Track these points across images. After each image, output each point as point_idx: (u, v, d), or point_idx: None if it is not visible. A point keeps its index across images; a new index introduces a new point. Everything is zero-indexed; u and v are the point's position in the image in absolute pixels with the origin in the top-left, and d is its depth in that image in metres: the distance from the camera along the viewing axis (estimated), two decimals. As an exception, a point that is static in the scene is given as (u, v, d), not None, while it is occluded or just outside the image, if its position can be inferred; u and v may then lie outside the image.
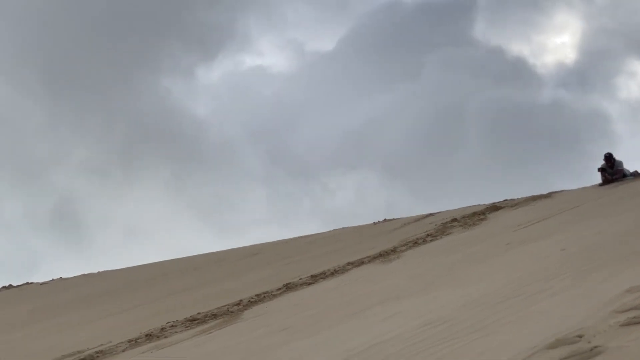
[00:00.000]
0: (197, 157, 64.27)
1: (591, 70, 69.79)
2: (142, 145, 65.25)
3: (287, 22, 77.11)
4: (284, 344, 7.43)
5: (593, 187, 16.82)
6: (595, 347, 4.00)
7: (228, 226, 59.81)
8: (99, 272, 29.94)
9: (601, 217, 11.33)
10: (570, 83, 68.08)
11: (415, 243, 14.96)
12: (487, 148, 60.27)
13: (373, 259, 14.01)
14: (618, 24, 66.26)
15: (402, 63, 67.91)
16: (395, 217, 23.20)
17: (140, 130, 64.93)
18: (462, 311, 6.24)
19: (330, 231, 25.26)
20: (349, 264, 14.11)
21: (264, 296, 12.75)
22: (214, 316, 11.82)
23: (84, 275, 30.12)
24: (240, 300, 12.82)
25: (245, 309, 11.80)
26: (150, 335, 11.37)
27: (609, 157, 16.67)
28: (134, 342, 11.13)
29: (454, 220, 17.16)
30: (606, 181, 16.55)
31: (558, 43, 71.68)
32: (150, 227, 62.19)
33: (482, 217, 16.62)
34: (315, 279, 13.35)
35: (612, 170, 16.58)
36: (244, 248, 26.36)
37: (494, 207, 17.70)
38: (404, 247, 14.74)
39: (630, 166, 16.91)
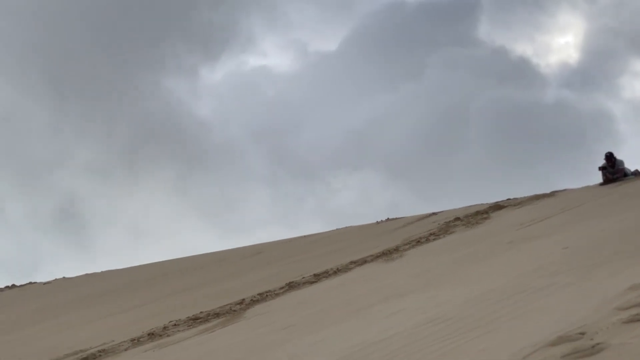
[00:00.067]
0: (201, 157, 64.35)
1: (595, 70, 69.77)
2: (145, 146, 65.35)
3: (290, 23, 77.33)
4: (286, 342, 7.43)
5: (596, 186, 16.81)
6: (598, 344, 4.00)
7: (231, 227, 59.89)
8: (101, 272, 30.00)
9: (604, 216, 11.33)
10: (574, 83, 68.08)
11: (418, 242, 14.95)
12: (490, 148, 60.27)
13: (376, 257, 14.00)
14: (621, 24, 66.23)
15: (405, 63, 67.97)
16: (398, 217, 23.19)
17: (143, 131, 65.02)
18: (465, 308, 6.24)
19: (332, 230, 25.27)
20: (351, 262, 14.10)
21: (267, 295, 12.75)
22: (217, 315, 11.82)
23: (86, 275, 30.17)
24: (243, 299, 12.82)
25: (248, 308, 11.80)
26: (153, 334, 11.38)
27: (609, 156, 16.67)
28: (136, 341, 11.14)
29: (457, 219, 17.15)
30: (607, 180, 16.54)
31: (562, 43, 71.76)
32: (154, 228, 62.32)
33: (485, 216, 16.61)
34: (318, 277, 13.35)
35: (613, 169, 16.58)
36: (246, 247, 26.38)
37: (497, 206, 17.68)
38: (406, 246, 14.73)
39: (633, 166, 16.91)
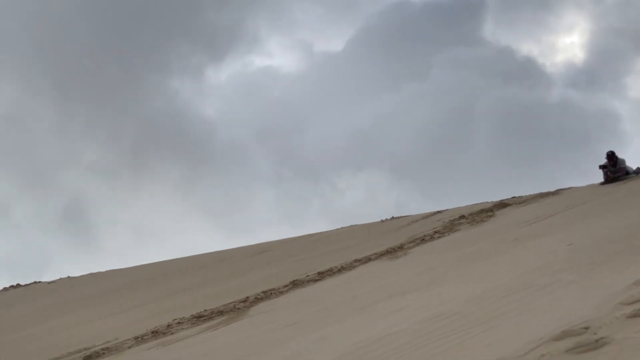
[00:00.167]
0: (206, 158, 64.43)
1: (600, 69, 69.63)
2: (150, 146, 65.44)
3: (295, 23, 77.17)
4: (290, 339, 7.44)
5: (599, 184, 16.79)
6: (601, 338, 3.99)
7: (237, 227, 59.95)
8: (105, 271, 30.03)
9: (608, 213, 11.31)
10: (580, 82, 67.92)
11: (423, 240, 14.94)
12: (495, 147, 60.20)
13: (380, 255, 13.99)
14: (627, 24, 66.06)
15: (411, 63, 67.92)
16: (403, 215, 23.18)
17: (149, 131, 65.10)
18: (469, 305, 6.24)
19: (337, 229, 25.25)
20: (356, 260, 14.10)
21: (271, 293, 12.75)
22: (220, 313, 11.82)
23: (91, 274, 30.20)
24: (247, 297, 12.82)
25: (252, 306, 11.80)
26: (157, 332, 11.39)
27: (611, 155, 16.65)
28: (140, 339, 11.15)
29: (462, 217, 17.13)
30: (608, 179, 16.51)
31: (567, 43, 71.59)
32: (160, 228, 62.39)
33: (489, 214, 16.59)
34: (322, 275, 13.35)
35: (614, 168, 16.55)
36: (251, 246, 26.37)
37: (502, 204, 17.66)
38: (411, 244, 14.72)
39: (638, 166, 16.87)
